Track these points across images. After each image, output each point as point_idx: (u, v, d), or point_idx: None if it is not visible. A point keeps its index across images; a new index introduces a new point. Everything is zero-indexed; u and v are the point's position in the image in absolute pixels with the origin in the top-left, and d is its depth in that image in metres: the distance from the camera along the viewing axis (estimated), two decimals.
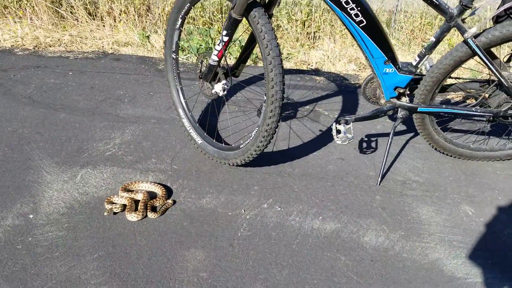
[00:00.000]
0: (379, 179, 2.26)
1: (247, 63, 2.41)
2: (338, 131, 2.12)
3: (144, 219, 1.96)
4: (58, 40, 3.65)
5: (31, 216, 1.94)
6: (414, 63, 2.07)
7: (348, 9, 1.85)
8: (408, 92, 2.16)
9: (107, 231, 1.88)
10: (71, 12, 4.06)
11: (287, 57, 3.81)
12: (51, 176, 2.17)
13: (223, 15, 4.18)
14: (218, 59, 2.07)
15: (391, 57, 2.00)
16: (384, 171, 2.35)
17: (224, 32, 1.95)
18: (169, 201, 2.05)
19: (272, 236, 1.92)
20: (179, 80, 2.46)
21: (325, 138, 2.62)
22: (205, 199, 2.10)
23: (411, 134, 2.72)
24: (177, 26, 2.27)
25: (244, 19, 1.90)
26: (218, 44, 2.01)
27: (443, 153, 2.45)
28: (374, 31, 1.92)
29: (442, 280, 1.76)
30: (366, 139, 2.64)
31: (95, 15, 4.04)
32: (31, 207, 1.98)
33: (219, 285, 1.69)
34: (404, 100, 2.18)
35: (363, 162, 2.44)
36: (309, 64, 3.65)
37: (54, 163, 2.26)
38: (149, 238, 1.87)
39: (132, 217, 1.94)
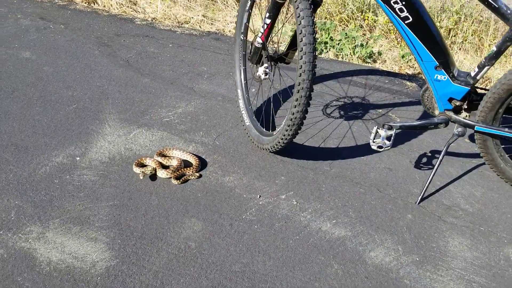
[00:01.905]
0: (419, 198, 2.05)
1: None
2: (378, 135, 1.97)
3: (167, 181, 2.08)
4: (191, 18, 3.91)
5: (78, 158, 2.20)
6: (472, 74, 1.81)
7: (392, 2, 1.69)
8: (466, 107, 1.90)
9: (130, 185, 2.05)
10: None
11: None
12: (110, 129, 2.42)
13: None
14: (262, 42, 2.07)
15: (444, 63, 1.78)
16: (431, 191, 2.11)
17: (267, 15, 1.95)
18: (196, 174, 2.12)
19: (274, 226, 1.89)
20: (244, 61, 2.51)
21: None
22: (228, 178, 2.14)
23: None
24: (247, 7, 2.32)
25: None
26: (262, 27, 2.01)
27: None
28: (422, 31, 1.72)
29: None
30: (429, 153, 2.39)
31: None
32: (81, 151, 2.24)
33: (200, 256, 1.73)
34: (462, 115, 1.92)
35: (412, 177, 2.22)
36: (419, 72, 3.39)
37: (118, 118, 2.52)
38: (162, 200, 1.98)
39: (162, 173, 2.07)
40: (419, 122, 1.97)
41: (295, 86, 1.87)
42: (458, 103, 1.89)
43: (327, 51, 3.55)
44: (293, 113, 1.91)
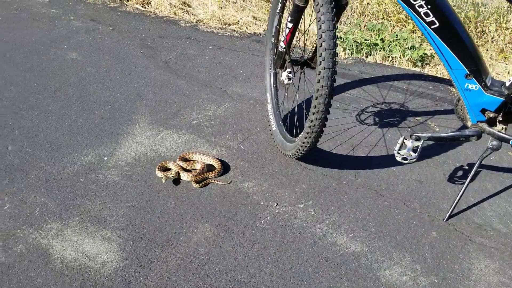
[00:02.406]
0: (448, 215, 1.91)
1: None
2: (404, 146, 1.86)
3: (187, 185, 2.08)
4: (240, 19, 3.91)
5: (105, 158, 2.26)
6: (507, 84, 1.66)
7: (416, 5, 1.58)
8: (501, 118, 1.74)
9: (150, 187, 2.08)
10: None
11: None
12: (140, 130, 2.48)
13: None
14: (285, 46, 2.02)
15: (475, 71, 1.64)
16: (462, 208, 1.97)
17: (289, 19, 1.90)
18: (227, 180, 2.12)
19: (287, 236, 1.84)
20: (274, 65, 2.47)
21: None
22: (248, 183, 2.11)
23: None
24: (278, 10, 2.27)
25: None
26: (284, 31, 1.96)
27: None
28: (450, 36, 1.60)
29: None
30: (466, 166, 2.23)
31: None
32: (109, 151, 2.31)
33: (208, 263, 1.72)
34: (498, 127, 1.76)
35: (444, 191, 2.08)
36: None
37: (149, 120, 2.56)
38: (179, 203, 1.99)
39: (184, 176, 2.08)
40: (449, 134, 1.83)
41: (314, 92, 1.80)
42: (492, 115, 1.73)
43: (375, 54, 3.40)
44: (312, 121, 1.85)
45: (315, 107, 1.81)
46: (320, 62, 1.73)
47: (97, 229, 1.86)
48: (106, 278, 1.66)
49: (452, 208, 1.90)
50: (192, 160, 2.22)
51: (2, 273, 1.66)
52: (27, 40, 3.52)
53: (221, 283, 1.64)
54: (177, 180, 2.10)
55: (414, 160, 1.82)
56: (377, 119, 2.59)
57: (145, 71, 3.11)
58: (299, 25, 1.98)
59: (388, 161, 2.26)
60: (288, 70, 2.08)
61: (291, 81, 2.09)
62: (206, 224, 1.89)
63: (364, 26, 3.81)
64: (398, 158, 1.84)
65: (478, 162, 1.85)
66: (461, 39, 1.59)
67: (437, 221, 1.91)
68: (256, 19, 3.95)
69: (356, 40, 3.48)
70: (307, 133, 1.90)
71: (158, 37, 3.64)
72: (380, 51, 3.43)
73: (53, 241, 1.80)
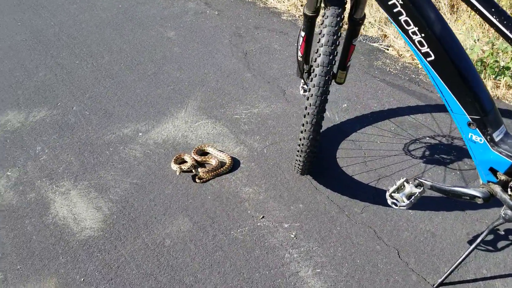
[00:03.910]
0: (439, 281, 1.63)
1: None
2: (401, 189, 1.64)
3: (195, 179, 2.14)
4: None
5: (140, 134, 2.43)
6: None
7: (410, 32, 1.35)
8: None
9: (160, 170, 2.19)
10: None
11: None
12: (183, 114, 2.59)
13: None
14: (301, 55, 1.90)
15: (479, 121, 1.35)
16: (463, 277, 1.66)
17: (302, 27, 1.78)
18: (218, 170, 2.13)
19: (253, 253, 1.78)
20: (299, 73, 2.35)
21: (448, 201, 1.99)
22: (247, 189, 2.08)
23: None
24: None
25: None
26: (298, 40, 1.85)
27: None
28: (449, 73, 1.33)
29: None
30: (502, 232, 1.85)
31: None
32: (147, 129, 2.47)
33: (165, 256, 1.77)
34: (509, 193, 1.44)
35: (455, 253, 1.77)
36: None
37: (197, 106, 2.66)
38: (175, 192, 2.06)
39: (200, 171, 2.14)
40: (452, 188, 1.54)
41: (303, 110, 1.67)
42: (503, 177, 1.40)
43: (498, 80, 2.85)
44: (300, 139, 1.73)
45: (303, 125, 1.68)
46: (312, 78, 1.59)
47: (96, 197, 2.03)
48: (77, 243, 1.81)
49: (446, 275, 1.61)
50: (207, 154, 2.25)
51: (6, 214, 1.94)
52: (143, 15, 3.87)
53: (166, 278, 1.67)
54: (194, 177, 2.14)
55: (404, 207, 1.58)
56: (427, 153, 2.28)
57: (222, 58, 3.19)
58: (313, 35, 1.83)
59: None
60: (302, 81, 1.95)
61: (306, 93, 1.96)
62: (186, 218, 1.92)
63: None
64: (389, 201, 1.62)
65: (486, 230, 1.53)
66: (463, 78, 1.31)
67: (424, 284, 1.64)
68: (370, 25, 3.69)
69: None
70: (297, 151, 1.78)
71: (253, 27, 3.69)
72: (503, 77, 2.85)
73: (57, 197, 2.03)
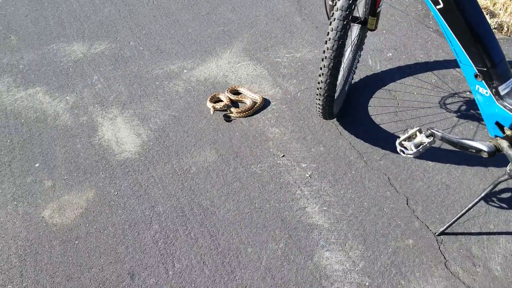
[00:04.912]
0: (441, 230, 1.68)
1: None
2: (412, 137, 1.67)
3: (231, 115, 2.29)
4: None
5: (185, 71, 2.60)
6: None
7: None
8: None
9: (198, 105, 2.35)
10: None
11: None
12: (228, 55, 2.70)
13: None
14: (331, 1, 1.91)
15: (484, 73, 1.33)
16: (470, 230, 1.69)
17: None
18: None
19: (268, 186, 1.92)
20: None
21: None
22: (274, 129, 2.18)
23: None
24: None
25: None
26: None
27: None
28: (456, 22, 1.31)
29: None
30: None
31: None
32: (192, 66, 2.63)
33: (188, 181, 1.96)
34: None
35: (465, 206, 1.79)
36: None
37: (243, 48, 2.76)
38: (207, 126, 2.22)
39: (234, 111, 2.28)
40: (461, 140, 1.54)
41: (322, 54, 1.73)
42: (509, 132, 1.39)
43: None
44: (318, 83, 1.80)
45: (320, 69, 1.74)
46: (330, 22, 1.63)
47: (138, 124, 2.25)
48: (116, 162, 2.06)
49: (447, 225, 1.65)
50: (241, 94, 2.37)
51: (61, 133, 2.22)
52: None
53: (186, 200, 1.87)
54: (227, 116, 2.27)
55: (411, 155, 1.62)
56: (463, 107, 2.23)
57: (275, 1, 3.22)
58: None
59: (430, 154, 2.00)
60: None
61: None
62: (213, 150, 2.09)
63: None
64: (398, 148, 1.66)
65: (491, 185, 1.54)
66: (470, 28, 1.28)
67: (425, 231, 1.70)
68: None
69: None
70: (316, 95, 1.85)
71: None
72: None
73: (105, 122, 2.27)
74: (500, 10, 2.91)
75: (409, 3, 3.06)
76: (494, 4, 2.99)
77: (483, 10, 2.97)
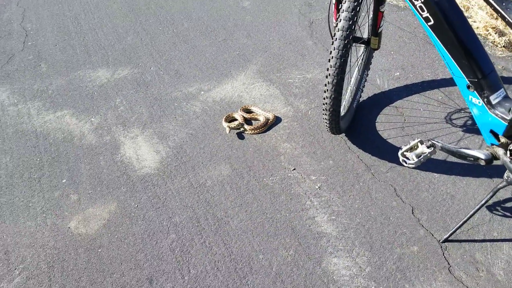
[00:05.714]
0: (445, 237, 1.75)
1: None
2: (414, 148, 1.76)
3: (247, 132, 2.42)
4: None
5: (202, 92, 2.75)
6: None
7: None
8: None
9: (214, 124, 2.49)
10: None
11: None
12: (243, 77, 2.86)
13: None
14: (335, 22, 2.04)
15: (475, 83, 1.43)
16: (473, 237, 1.75)
17: None
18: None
19: (279, 198, 2.02)
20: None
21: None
22: (286, 144, 2.30)
23: None
24: None
25: None
26: (330, 6, 2.00)
27: None
28: (447, 37, 1.42)
29: None
30: None
31: None
32: (208, 88, 2.78)
33: (203, 194, 2.08)
34: (509, 156, 1.51)
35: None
36: None
37: (257, 70, 2.91)
38: (222, 143, 2.35)
39: (248, 128, 2.40)
40: (459, 149, 1.63)
41: (326, 71, 1.85)
42: (503, 140, 1.47)
43: None
44: (324, 99, 1.91)
45: (325, 85, 1.86)
46: (333, 41, 1.76)
47: (157, 142, 2.39)
48: (136, 177, 2.19)
49: (451, 232, 1.72)
50: (254, 112, 2.50)
51: (86, 151, 2.38)
52: None
53: (201, 211, 1.98)
54: (241, 134, 2.40)
55: (412, 165, 1.70)
56: (469, 122, 2.31)
57: (288, 27, 3.38)
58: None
59: (436, 167, 2.07)
60: None
61: None
62: (227, 165, 2.21)
63: None
64: (400, 159, 1.75)
65: (491, 193, 1.61)
66: (460, 42, 1.39)
67: (430, 239, 1.77)
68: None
69: None
70: (323, 110, 1.96)
71: None
72: None
73: (127, 141, 2.42)
74: (509, 29, 2.99)
75: (417, 25, 3.18)
76: (505, 24, 3.08)
77: (492, 30, 3.07)
